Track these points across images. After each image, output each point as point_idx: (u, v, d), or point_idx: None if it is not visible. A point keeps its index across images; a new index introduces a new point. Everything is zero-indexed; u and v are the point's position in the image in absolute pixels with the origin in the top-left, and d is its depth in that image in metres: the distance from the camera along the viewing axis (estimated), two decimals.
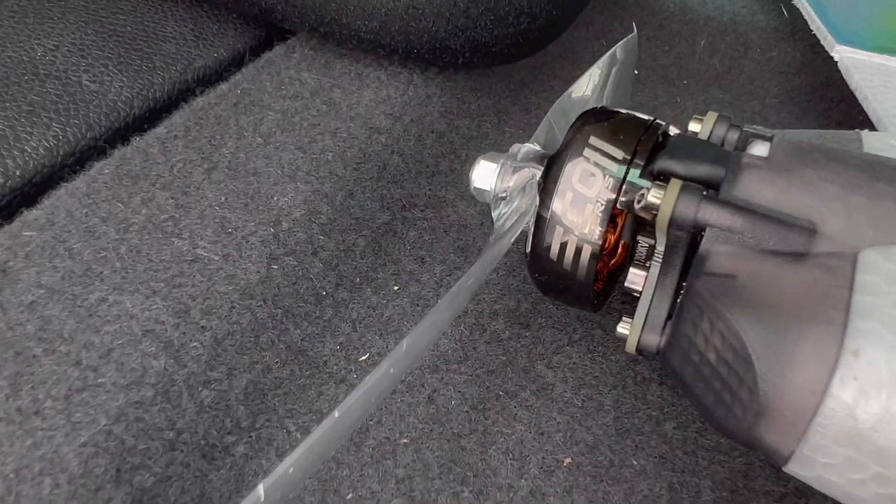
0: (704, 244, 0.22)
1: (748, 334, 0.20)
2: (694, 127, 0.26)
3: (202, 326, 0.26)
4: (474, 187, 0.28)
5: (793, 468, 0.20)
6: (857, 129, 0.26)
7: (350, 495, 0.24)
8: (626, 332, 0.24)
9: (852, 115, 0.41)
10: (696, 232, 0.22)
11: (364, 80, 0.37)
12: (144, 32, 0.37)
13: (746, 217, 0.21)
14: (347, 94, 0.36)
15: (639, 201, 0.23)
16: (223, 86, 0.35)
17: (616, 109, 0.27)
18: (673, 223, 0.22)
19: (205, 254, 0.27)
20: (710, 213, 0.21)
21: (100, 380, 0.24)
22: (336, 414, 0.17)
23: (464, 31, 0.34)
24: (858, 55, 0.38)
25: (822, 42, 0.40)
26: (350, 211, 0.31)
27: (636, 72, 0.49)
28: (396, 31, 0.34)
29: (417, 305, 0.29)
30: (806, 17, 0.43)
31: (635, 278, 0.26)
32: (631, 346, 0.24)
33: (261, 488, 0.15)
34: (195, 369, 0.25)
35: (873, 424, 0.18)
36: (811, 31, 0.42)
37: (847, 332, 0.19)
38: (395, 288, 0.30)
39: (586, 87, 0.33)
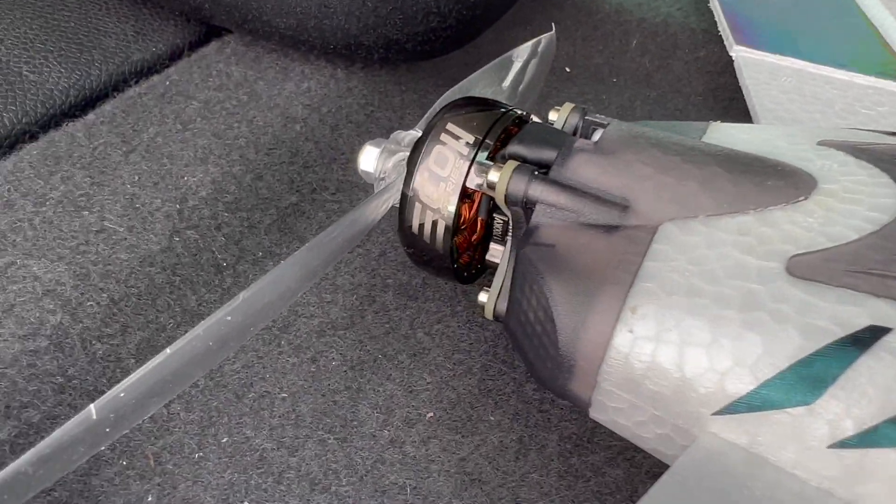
0: (534, 218, 0.25)
1: (553, 295, 0.23)
2: (553, 116, 0.28)
3: (100, 288, 0.28)
4: (360, 170, 0.30)
5: (594, 414, 0.23)
6: (711, 121, 0.29)
7: (226, 439, 0.26)
8: (485, 300, 0.27)
9: None
10: (531, 207, 0.25)
11: (288, 74, 0.40)
12: (87, 28, 0.40)
13: (569, 194, 0.24)
14: (270, 85, 0.39)
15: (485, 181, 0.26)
16: (155, 78, 0.38)
17: (482, 98, 0.29)
18: (507, 199, 0.25)
19: (111, 226, 0.30)
20: (538, 190, 0.24)
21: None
22: (168, 351, 0.19)
23: (374, 28, 0.37)
24: (754, 54, 0.40)
25: (725, 43, 0.43)
26: (258, 192, 0.34)
27: (568, 69, 0.51)
28: (312, 28, 0.37)
29: None
30: (716, 19, 0.45)
31: (494, 252, 0.29)
32: (488, 313, 0.27)
33: (92, 408, 0.18)
34: (90, 325, 0.28)
35: (643, 372, 0.21)
36: None
37: (630, 291, 0.21)
38: None
39: (487, 79, 0.36)
